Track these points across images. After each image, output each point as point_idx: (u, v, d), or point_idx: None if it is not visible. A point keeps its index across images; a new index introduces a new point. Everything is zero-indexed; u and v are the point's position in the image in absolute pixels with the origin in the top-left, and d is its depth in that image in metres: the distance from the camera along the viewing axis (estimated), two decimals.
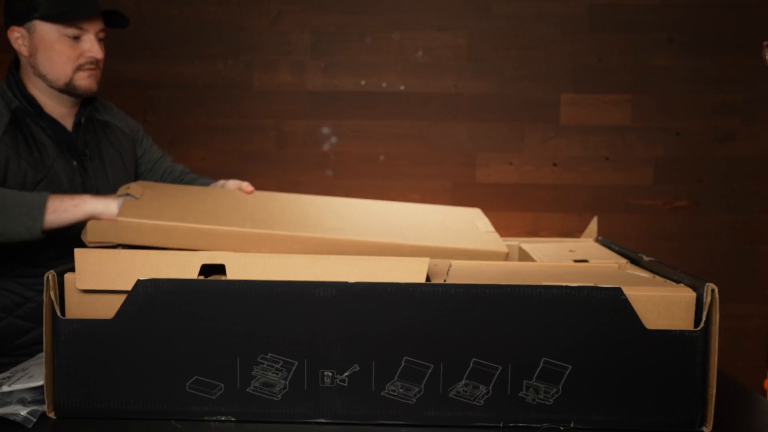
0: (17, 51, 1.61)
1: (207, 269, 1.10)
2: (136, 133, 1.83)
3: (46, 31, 1.58)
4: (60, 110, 1.66)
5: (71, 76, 1.61)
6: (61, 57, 1.59)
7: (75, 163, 1.63)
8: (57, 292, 1.07)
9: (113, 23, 1.67)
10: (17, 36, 1.60)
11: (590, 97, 2.66)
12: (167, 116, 2.69)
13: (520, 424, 1.06)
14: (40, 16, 1.56)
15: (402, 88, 2.67)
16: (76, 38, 1.60)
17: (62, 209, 1.42)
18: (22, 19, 1.58)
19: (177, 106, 2.69)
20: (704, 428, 1.04)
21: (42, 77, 1.61)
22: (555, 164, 2.67)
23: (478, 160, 2.68)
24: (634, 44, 2.63)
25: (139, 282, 1.05)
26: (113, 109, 1.82)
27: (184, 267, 1.07)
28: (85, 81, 1.62)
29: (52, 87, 1.62)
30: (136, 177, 1.82)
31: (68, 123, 1.67)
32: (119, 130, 1.78)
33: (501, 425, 1.06)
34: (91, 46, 1.61)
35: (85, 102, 1.69)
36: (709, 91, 2.64)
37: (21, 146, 1.55)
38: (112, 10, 1.64)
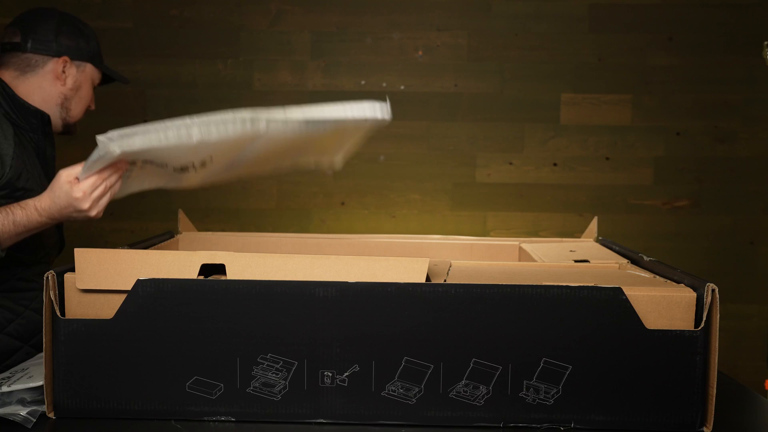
0: (54, 77, 1.59)
1: (207, 269, 1.09)
2: None
3: (92, 75, 1.67)
4: None
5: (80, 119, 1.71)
6: (87, 101, 1.69)
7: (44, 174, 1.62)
8: (57, 291, 1.07)
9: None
10: (68, 67, 1.61)
11: (590, 97, 2.66)
12: (167, 116, 2.64)
13: (521, 425, 1.06)
14: (95, 61, 1.66)
15: (402, 88, 2.67)
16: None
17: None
18: (78, 56, 1.62)
19: (177, 106, 2.68)
20: (705, 428, 1.04)
21: (66, 109, 1.64)
22: (555, 164, 2.67)
23: (478, 160, 2.68)
24: (634, 44, 2.63)
25: (138, 282, 1.05)
26: None
27: (184, 267, 1.07)
28: None
29: (64, 120, 1.65)
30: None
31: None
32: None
33: (501, 425, 1.06)
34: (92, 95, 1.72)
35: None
36: (709, 91, 2.64)
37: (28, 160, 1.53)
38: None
